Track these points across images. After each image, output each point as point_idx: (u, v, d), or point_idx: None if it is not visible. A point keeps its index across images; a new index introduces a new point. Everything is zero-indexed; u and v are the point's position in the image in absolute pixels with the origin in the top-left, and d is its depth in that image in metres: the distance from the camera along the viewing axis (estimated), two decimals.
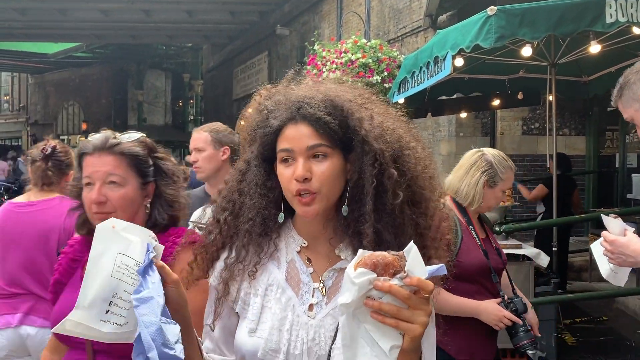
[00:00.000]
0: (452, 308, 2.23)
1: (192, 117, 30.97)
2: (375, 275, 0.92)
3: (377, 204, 1.13)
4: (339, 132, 1.16)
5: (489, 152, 2.48)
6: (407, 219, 1.14)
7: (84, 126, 31.47)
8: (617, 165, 8.28)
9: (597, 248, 1.92)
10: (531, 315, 2.44)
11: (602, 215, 1.88)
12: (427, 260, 1.15)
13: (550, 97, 5.55)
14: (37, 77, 33.30)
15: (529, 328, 2.35)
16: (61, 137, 33.52)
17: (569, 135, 8.52)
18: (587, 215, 6.50)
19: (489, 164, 2.38)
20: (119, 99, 30.42)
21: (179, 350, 1.04)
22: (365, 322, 0.93)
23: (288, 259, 1.23)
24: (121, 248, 1.06)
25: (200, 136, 2.86)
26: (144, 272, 1.07)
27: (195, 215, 2.43)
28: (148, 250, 1.08)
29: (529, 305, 2.41)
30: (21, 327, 2.53)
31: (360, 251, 0.96)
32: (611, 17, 3.80)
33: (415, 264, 0.93)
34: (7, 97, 36.31)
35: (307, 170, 1.13)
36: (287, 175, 1.16)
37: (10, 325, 2.54)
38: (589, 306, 6.13)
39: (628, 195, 7.62)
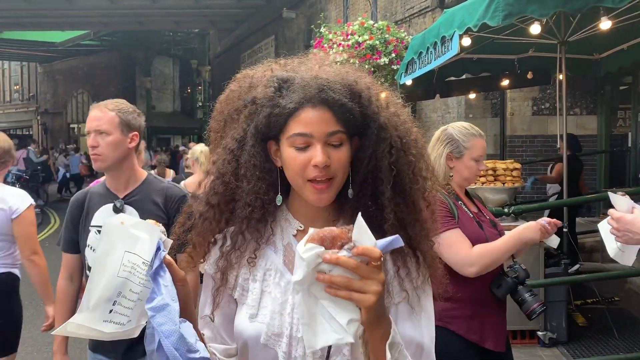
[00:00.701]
0: (498, 255, 2.22)
1: (200, 104, 30.97)
2: (322, 248, 0.91)
3: (395, 189, 1.13)
4: (359, 119, 1.14)
5: (452, 125, 2.47)
6: (417, 202, 1.16)
7: None
8: (629, 145, 8.16)
9: (604, 227, 1.89)
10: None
11: (609, 193, 1.85)
12: (427, 237, 1.16)
13: (561, 76, 5.45)
14: (46, 66, 33.42)
15: (536, 292, 2.35)
16: (71, 126, 33.88)
17: (580, 115, 8.40)
18: (597, 195, 6.42)
19: (450, 136, 2.38)
20: (128, 86, 30.45)
21: (202, 349, 1.02)
22: (322, 299, 0.92)
23: (284, 242, 1.20)
24: (129, 246, 1.03)
25: (104, 115, 2.29)
26: (155, 274, 1.03)
27: (100, 215, 2.25)
28: (159, 249, 1.04)
29: (554, 240, 2.42)
30: None
31: (310, 229, 0.96)
32: None
33: (361, 234, 0.93)
34: (17, 87, 36.50)
35: (327, 156, 1.10)
36: (302, 160, 1.11)
37: None
38: (599, 287, 6.07)
39: None
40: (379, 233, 1.13)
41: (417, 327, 1.15)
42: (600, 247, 7.21)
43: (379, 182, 1.14)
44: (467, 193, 2.48)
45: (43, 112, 33.49)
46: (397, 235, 0.98)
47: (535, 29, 4.36)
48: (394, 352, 1.01)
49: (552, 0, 3.65)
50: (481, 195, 4.22)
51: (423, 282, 1.17)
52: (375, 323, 0.98)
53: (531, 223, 2.31)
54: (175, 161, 17.09)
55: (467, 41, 4.55)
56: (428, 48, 5.06)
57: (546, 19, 4.48)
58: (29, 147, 17.12)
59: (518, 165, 4.78)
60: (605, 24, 4.09)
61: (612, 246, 1.90)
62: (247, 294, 1.18)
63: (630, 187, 7.43)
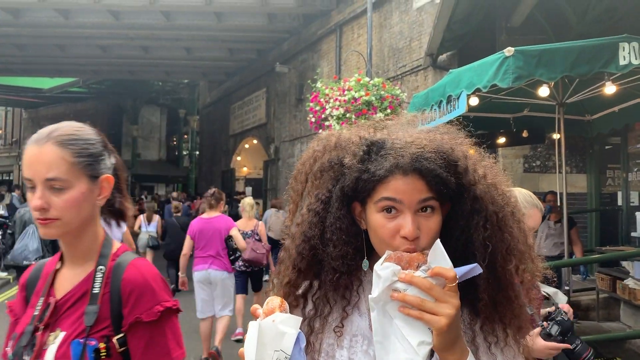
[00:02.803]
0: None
1: (186, 152, 31.01)
2: (399, 267, 0.93)
3: (488, 267, 1.07)
4: (452, 189, 1.08)
5: (519, 189, 2.49)
6: (509, 275, 1.10)
7: None
8: (619, 203, 8.32)
9: None
10: (567, 307, 2.43)
11: None
12: (521, 309, 1.12)
13: (558, 136, 5.60)
14: (31, 111, 33.32)
15: (581, 341, 2.32)
16: None
17: (570, 173, 8.59)
18: (614, 253, 6.49)
19: (515, 199, 2.41)
20: (114, 134, 30.42)
21: None
22: (396, 318, 0.92)
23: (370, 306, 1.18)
24: (277, 344, 1.00)
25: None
26: None
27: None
28: (298, 340, 1.02)
29: (566, 307, 2.39)
30: (209, 271, 6.12)
31: (387, 252, 0.97)
32: (624, 60, 3.89)
33: (438, 256, 0.93)
34: (0, 131, 36.22)
35: (417, 226, 1.04)
36: (391, 228, 1.05)
37: (204, 269, 6.12)
38: (600, 346, 6.04)
39: (632, 234, 7.63)
40: (471, 311, 1.11)
41: None
42: (596, 305, 7.23)
43: (469, 256, 1.08)
44: None
45: None
46: (476, 264, 0.97)
47: (544, 91, 4.52)
48: None
49: (560, 65, 3.81)
50: None
51: (515, 356, 1.13)
52: (449, 349, 0.96)
53: (543, 346, 2.27)
54: (161, 207, 17.16)
55: (474, 101, 4.68)
56: (432, 106, 5.19)
57: (550, 83, 4.64)
58: (13, 193, 16.81)
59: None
60: (609, 89, 4.25)
61: None
62: None
63: (623, 246, 7.53)
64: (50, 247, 6.04)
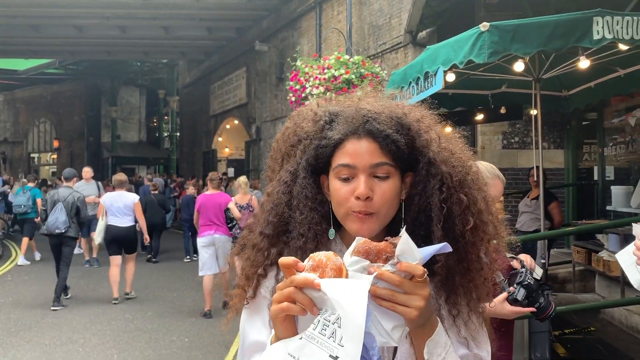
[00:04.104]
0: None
1: (167, 134, 30.68)
2: (367, 262, 0.94)
3: (444, 229, 1.09)
4: (405, 151, 1.11)
5: (481, 162, 2.54)
6: (470, 244, 1.11)
7: (55, 143, 30.90)
8: (595, 178, 8.46)
9: (624, 258, 1.91)
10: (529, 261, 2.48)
11: (634, 224, 1.88)
12: (484, 281, 1.14)
13: (535, 111, 5.65)
14: (7, 94, 32.62)
15: (545, 298, 2.37)
16: (32, 155, 32.98)
17: (547, 148, 8.69)
18: (587, 226, 6.62)
19: (475, 168, 2.45)
20: (92, 115, 29.97)
21: None
22: (369, 305, 0.94)
23: None
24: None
25: None
26: None
27: None
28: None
29: (537, 271, 2.45)
30: (214, 235, 7.32)
31: (357, 239, 0.97)
32: (598, 34, 3.92)
33: (406, 249, 0.95)
34: None
35: (370, 188, 1.08)
36: (346, 191, 1.10)
37: (209, 234, 7.33)
38: (575, 317, 6.20)
39: (608, 207, 7.78)
40: (437, 283, 1.13)
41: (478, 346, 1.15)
42: (572, 278, 7.39)
43: (430, 222, 1.10)
44: None
45: (2, 141, 32.54)
46: (445, 243, 0.99)
47: (519, 66, 4.54)
48: (438, 350, 1.01)
49: (535, 40, 3.82)
50: None
51: (474, 331, 1.16)
52: (420, 328, 1.00)
53: (508, 310, 2.33)
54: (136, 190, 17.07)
55: (451, 77, 4.69)
56: (410, 83, 5.19)
57: (525, 58, 4.66)
58: None
59: (501, 198, 4.88)
60: (584, 63, 4.29)
61: (635, 277, 1.91)
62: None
63: (598, 220, 7.68)
64: (75, 219, 7.84)
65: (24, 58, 23.67)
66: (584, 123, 9.08)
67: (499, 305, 2.27)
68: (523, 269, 2.37)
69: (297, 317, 0.97)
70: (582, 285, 7.35)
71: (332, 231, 1.16)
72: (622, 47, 4.22)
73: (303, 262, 1.03)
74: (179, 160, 26.85)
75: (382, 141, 1.09)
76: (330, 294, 0.92)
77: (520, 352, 4.34)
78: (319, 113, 1.18)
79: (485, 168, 2.48)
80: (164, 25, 17.74)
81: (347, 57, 8.96)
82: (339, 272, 0.96)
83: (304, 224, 1.13)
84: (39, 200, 11.25)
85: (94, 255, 11.20)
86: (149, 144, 31.94)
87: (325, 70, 8.67)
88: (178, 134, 27.72)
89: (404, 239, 0.94)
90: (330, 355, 0.91)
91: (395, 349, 1.10)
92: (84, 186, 10.65)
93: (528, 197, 7.15)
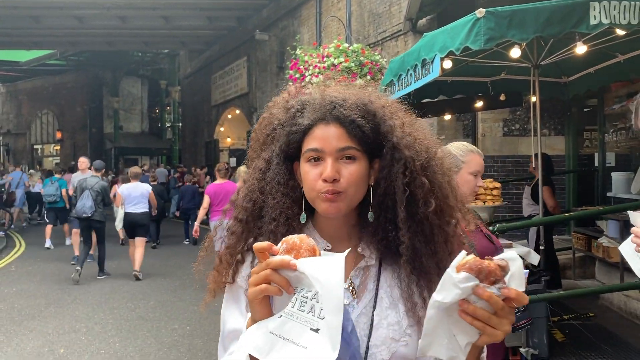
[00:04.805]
0: None
1: (169, 124, 30.69)
2: (478, 282, 0.94)
3: (408, 211, 1.14)
4: (370, 136, 1.16)
5: (451, 144, 2.55)
6: (436, 226, 1.15)
7: (58, 135, 30.97)
8: (596, 164, 8.44)
9: (626, 248, 1.88)
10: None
11: (629, 212, 1.86)
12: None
13: (534, 98, 5.63)
14: (9, 85, 32.65)
15: (523, 308, 2.38)
16: (35, 147, 33.07)
17: (548, 135, 8.66)
18: (584, 212, 6.62)
19: (447, 152, 2.44)
20: (95, 107, 29.99)
21: None
22: (449, 317, 0.96)
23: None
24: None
25: None
26: None
27: None
28: None
29: (534, 257, 2.44)
30: (223, 222, 7.24)
31: (462, 252, 0.98)
32: (595, 19, 3.89)
33: (515, 276, 0.96)
34: None
35: (336, 171, 1.12)
36: (314, 174, 1.14)
37: (219, 219, 6.99)
38: (574, 303, 6.22)
39: (608, 194, 7.76)
40: (396, 256, 1.17)
41: None
42: (572, 264, 7.40)
43: (395, 205, 1.15)
44: None
45: (5, 133, 32.62)
46: (527, 271, 1.02)
47: (515, 52, 4.52)
48: None
49: (531, 26, 3.80)
50: None
51: None
52: (481, 349, 1.04)
53: None
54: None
55: (448, 64, 4.67)
56: (408, 70, 5.18)
57: (522, 44, 4.64)
58: None
59: (498, 185, 4.89)
60: (580, 48, 4.27)
61: (637, 266, 1.90)
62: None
63: (598, 206, 7.68)
64: (101, 204, 9.01)
65: (25, 49, 23.64)
66: (584, 110, 9.04)
67: None
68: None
69: (272, 299, 1.00)
70: (582, 272, 7.37)
71: (303, 215, 1.19)
72: (620, 32, 4.19)
73: (277, 245, 1.06)
74: (182, 150, 26.88)
75: (348, 126, 1.14)
76: (308, 272, 0.95)
77: (517, 337, 4.37)
78: (291, 102, 1.23)
79: (457, 147, 2.47)
80: (164, 15, 17.69)
81: (346, 45, 8.93)
82: (313, 252, 0.99)
83: (275, 208, 1.17)
84: (64, 191, 11.95)
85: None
86: (151, 134, 31.98)
87: (325, 59, 8.65)
88: (180, 124, 27.73)
89: (518, 268, 0.96)
90: (311, 329, 0.95)
91: (371, 331, 1.13)
92: (80, 178, 10.04)
93: (528, 184, 7.16)
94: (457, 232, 1.19)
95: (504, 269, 0.96)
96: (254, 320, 1.00)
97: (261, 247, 0.99)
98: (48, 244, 12.24)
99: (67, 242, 12.28)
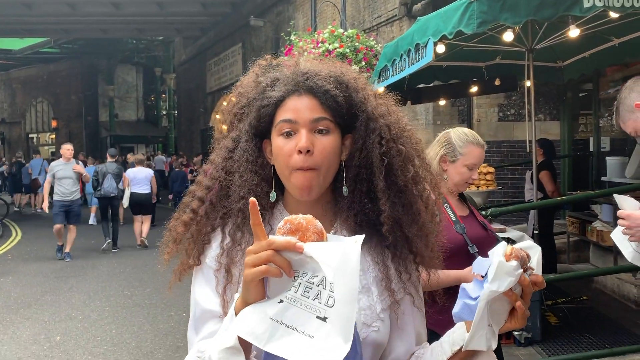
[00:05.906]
0: (439, 282, 2.21)
1: (164, 112, 30.55)
2: (521, 270, 1.00)
3: (387, 181, 1.14)
4: (344, 107, 1.13)
5: (455, 129, 2.48)
6: (413, 194, 1.16)
7: (53, 123, 30.80)
8: (591, 149, 8.45)
9: (617, 234, 1.90)
10: None
11: (615, 195, 1.88)
12: (426, 237, 1.18)
13: (529, 83, 5.61)
14: (3, 74, 32.39)
15: None
16: (30, 135, 32.91)
17: (543, 120, 8.66)
18: (578, 195, 6.64)
19: (448, 139, 2.40)
20: (90, 95, 29.81)
21: None
22: (489, 307, 1.01)
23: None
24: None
25: None
26: None
27: None
28: None
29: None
30: None
31: (502, 243, 1.02)
32: (588, 2, 3.85)
33: (537, 262, 1.03)
34: None
35: (311, 142, 1.09)
36: (289, 148, 1.10)
37: None
38: (568, 287, 6.26)
39: (602, 178, 7.76)
40: (376, 227, 1.15)
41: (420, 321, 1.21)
42: (567, 248, 7.44)
43: (372, 176, 1.13)
44: (462, 196, 2.51)
45: (0, 122, 32.45)
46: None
47: (508, 36, 4.49)
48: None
49: (524, 9, 3.77)
50: None
51: (417, 286, 1.20)
52: None
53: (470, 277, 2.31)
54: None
55: (441, 48, 4.64)
56: (402, 55, 5.15)
57: (516, 27, 4.61)
58: None
59: (492, 170, 4.90)
60: (573, 32, 4.25)
61: (627, 250, 1.90)
62: None
63: (593, 190, 7.69)
64: (118, 186, 10.51)
65: (18, 37, 23.47)
66: (580, 94, 9.03)
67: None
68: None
69: (267, 280, 0.94)
70: (576, 256, 7.41)
71: (273, 194, 1.16)
72: (614, 15, 4.16)
73: (244, 225, 1.08)
74: (178, 138, 26.80)
75: (322, 96, 1.12)
76: (318, 257, 0.89)
77: None
78: (261, 77, 1.20)
79: (458, 137, 2.39)
80: (158, 2, 17.55)
81: (341, 30, 8.87)
82: (321, 236, 0.93)
83: (244, 186, 1.14)
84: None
85: (67, 250, 9.88)
86: (147, 122, 31.84)
87: (319, 45, 8.59)
88: (176, 112, 27.61)
89: (539, 256, 1.03)
90: (318, 317, 0.89)
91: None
92: (62, 166, 9.61)
93: (530, 169, 7.17)
94: (430, 202, 1.20)
95: (529, 257, 1.01)
96: (246, 303, 0.94)
97: (282, 244, 0.91)
98: (92, 220, 13.94)
99: (91, 220, 13.86)
